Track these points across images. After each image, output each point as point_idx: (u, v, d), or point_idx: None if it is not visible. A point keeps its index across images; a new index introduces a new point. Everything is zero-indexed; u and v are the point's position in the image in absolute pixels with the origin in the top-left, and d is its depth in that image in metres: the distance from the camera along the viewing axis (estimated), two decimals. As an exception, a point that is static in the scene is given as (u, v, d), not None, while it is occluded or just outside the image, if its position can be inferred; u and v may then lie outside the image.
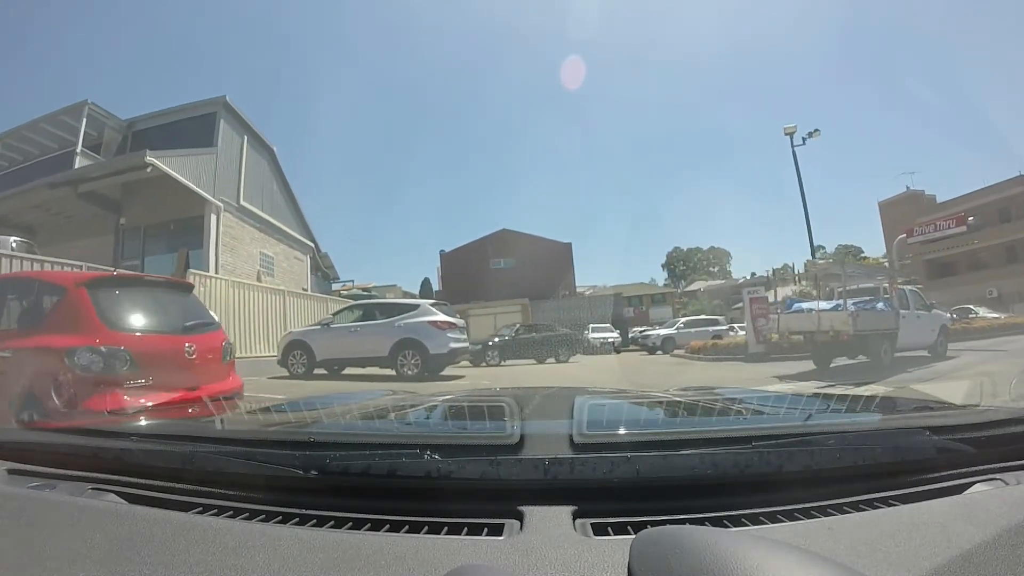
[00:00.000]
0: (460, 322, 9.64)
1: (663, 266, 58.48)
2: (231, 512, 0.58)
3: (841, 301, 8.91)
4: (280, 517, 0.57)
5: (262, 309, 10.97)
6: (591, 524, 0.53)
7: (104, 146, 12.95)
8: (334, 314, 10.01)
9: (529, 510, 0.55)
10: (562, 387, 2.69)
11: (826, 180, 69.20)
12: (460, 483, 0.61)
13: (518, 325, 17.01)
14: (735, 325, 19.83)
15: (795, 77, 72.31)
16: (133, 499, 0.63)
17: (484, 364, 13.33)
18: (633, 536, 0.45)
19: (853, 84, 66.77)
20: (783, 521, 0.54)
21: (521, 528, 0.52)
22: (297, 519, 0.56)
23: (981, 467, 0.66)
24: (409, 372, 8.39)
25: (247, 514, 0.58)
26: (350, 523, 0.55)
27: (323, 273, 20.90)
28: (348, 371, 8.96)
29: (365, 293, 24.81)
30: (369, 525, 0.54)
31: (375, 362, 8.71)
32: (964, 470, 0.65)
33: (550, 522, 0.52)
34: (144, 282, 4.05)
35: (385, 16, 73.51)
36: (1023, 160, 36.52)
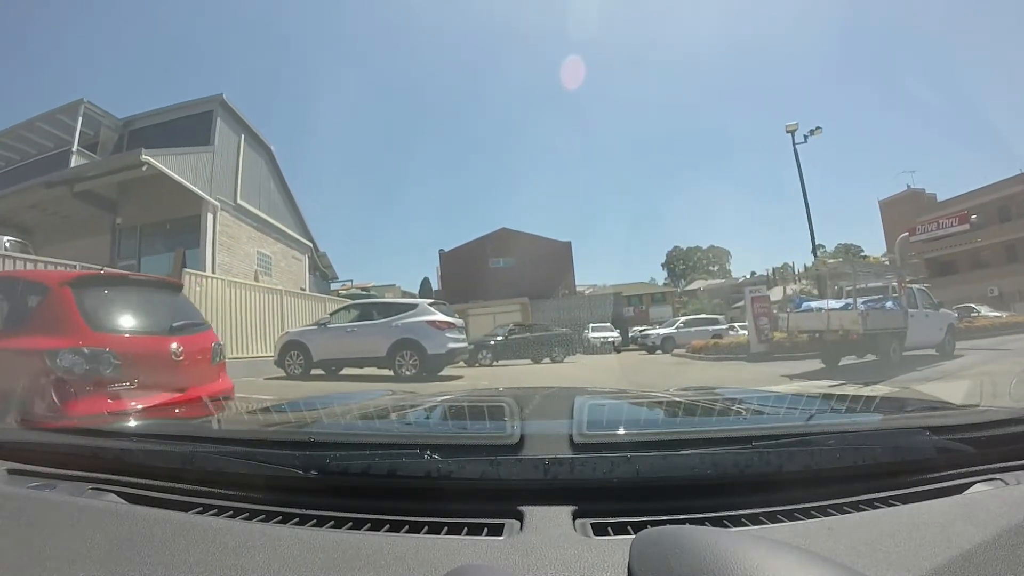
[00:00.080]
0: (459, 322, 9.59)
1: (663, 265, 58.71)
2: (231, 512, 0.58)
3: (851, 300, 8.92)
4: (280, 517, 0.57)
5: (259, 309, 10.89)
6: (591, 524, 0.53)
7: (100, 145, 12.88)
8: (331, 314, 9.96)
9: (529, 510, 0.55)
10: (562, 387, 2.69)
11: (826, 179, 69.46)
12: (460, 483, 0.61)
13: (511, 325, 16.81)
14: (735, 324, 19.85)
15: (795, 77, 72.69)
16: (133, 499, 0.63)
17: (477, 364, 13.24)
18: (633, 536, 0.45)
19: (853, 84, 67.10)
20: (783, 521, 0.54)
21: (521, 528, 0.52)
22: (297, 519, 0.56)
23: (981, 467, 0.66)
24: (407, 372, 8.34)
25: (247, 514, 0.58)
26: (350, 523, 0.54)
27: (321, 273, 20.86)
28: (345, 371, 8.93)
29: (364, 293, 24.77)
30: (369, 525, 0.54)
31: (373, 362, 8.67)
32: (964, 470, 0.65)
33: (550, 522, 0.52)
34: (131, 281, 3.96)
35: (385, 16, 73.55)
36: (1023, 159, 36.63)
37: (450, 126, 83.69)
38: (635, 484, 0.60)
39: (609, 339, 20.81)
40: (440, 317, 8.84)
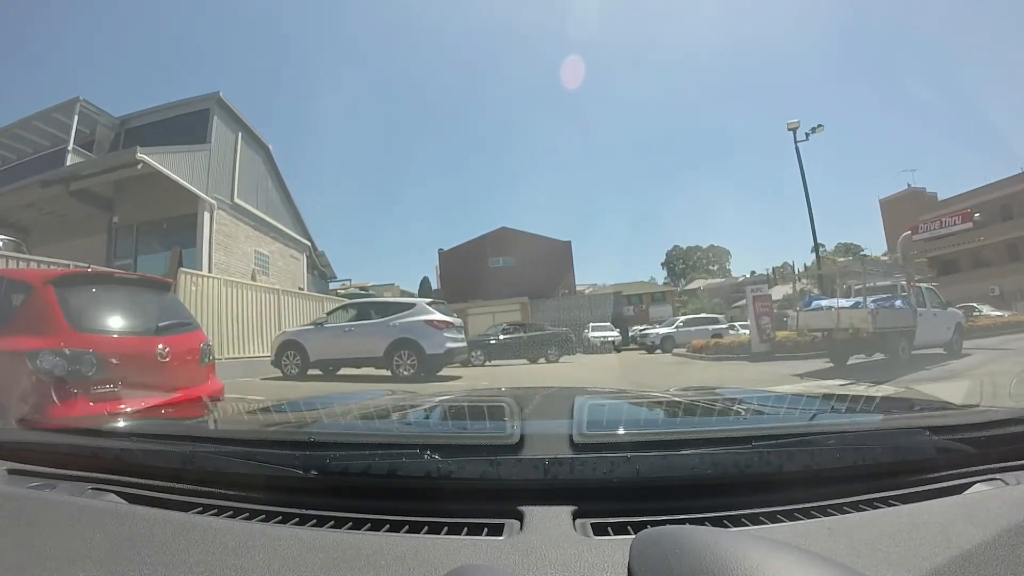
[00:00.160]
0: (457, 321, 9.53)
1: (663, 264, 58.85)
2: (231, 512, 0.58)
3: (860, 298, 8.91)
4: (280, 517, 0.57)
5: (256, 308, 10.84)
6: (591, 524, 0.53)
7: (97, 143, 12.82)
8: (328, 313, 9.87)
9: (529, 510, 0.55)
10: (562, 387, 2.69)
11: (826, 178, 69.58)
12: (460, 483, 0.61)
13: (504, 324, 16.63)
14: (736, 324, 19.87)
15: (795, 77, 72.89)
16: (133, 499, 0.63)
17: (469, 364, 13.07)
18: (633, 536, 0.45)
19: (853, 84, 67.30)
20: (783, 521, 0.54)
21: (521, 528, 0.52)
22: (297, 519, 0.56)
23: (981, 467, 0.66)
24: (405, 373, 8.27)
25: (247, 514, 0.58)
26: (350, 523, 0.54)
27: (320, 272, 20.82)
28: (343, 372, 8.88)
29: (363, 292, 24.72)
30: (369, 525, 0.54)
31: (370, 362, 8.60)
32: (964, 470, 0.65)
33: (550, 522, 0.52)
34: (117, 280, 3.87)
35: (385, 15, 73.43)
36: (1023, 159, 36.71)
37: (450, 126, 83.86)
38: (635, 484, 0.60)
39: (609, 338, 20.80)
40: (438, 316, 8.77)
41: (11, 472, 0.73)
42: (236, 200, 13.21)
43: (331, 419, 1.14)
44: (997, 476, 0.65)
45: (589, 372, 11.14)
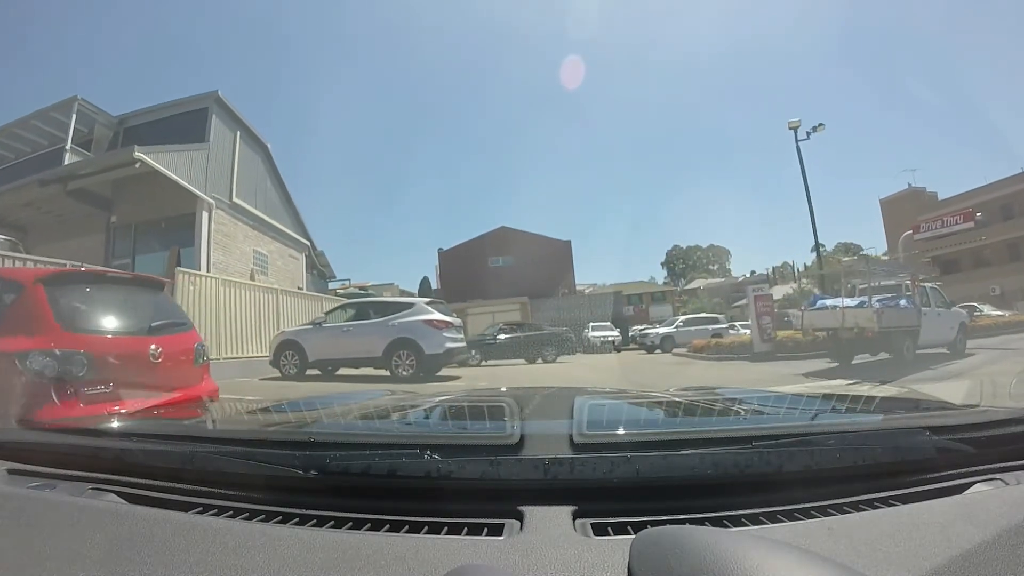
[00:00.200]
0: (456, 321, 9.49)
1: (663, 264, 58.93)
2: (231, 512, 0.58)
3: (865, 298, 8.91)
4: (280, 517, 0.57)
5: (255, 308, 10.80)
6: (591, 524, 0.53)
7: (95, 143, 12.79)
8: (327, 313, 9.83)
9: (529, 510, 0.55)
10: (562, 387, 2.69)
11: (826, 177, 69.65)
12: (460, 483, 0.61)
13: (503, 324, 16.61)
14: (736, 323, 19.87)
15: (795, 77, 72.95)
16: (133, 499, 0.63)
17: (466, 364, 13.00)
18: (633, 536, 0.45)
19: (854, 84, 67.26)
20: (783, 521, 0.54)
21: (521, 528, 0.52)
22: (297, 519, 0.56)
23: (981, 467, 0.66)
24: (404, 373, 8.24)
25: (247, 514, 0.58)
26: (350, 523, 0.55)
27: (319, 271, 20.80)
28: (341, 372, 8.86)
29: (362, 292, 24.68)
30: (369, 525, 0.54)
31: (369, 362, 8.57)
32: (964, 470, 0.66)
33: (550, 522, 0.52)
34: (110, 279, 3.81)
35: (385, 15, 73.35)
36: (1023, 159, 36.83)
37: (450, 125, 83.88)
38: (635, 484, 0.60)
39: (609, 338, 20.80)
40: (437, 316, 8.73)
41: (11, 472, 0.73)
42: (235, 199, 13.18)
43: (331, 419, 1.14)
44: (997, 476, 0.65)
45: (589, 372, 11.12)
